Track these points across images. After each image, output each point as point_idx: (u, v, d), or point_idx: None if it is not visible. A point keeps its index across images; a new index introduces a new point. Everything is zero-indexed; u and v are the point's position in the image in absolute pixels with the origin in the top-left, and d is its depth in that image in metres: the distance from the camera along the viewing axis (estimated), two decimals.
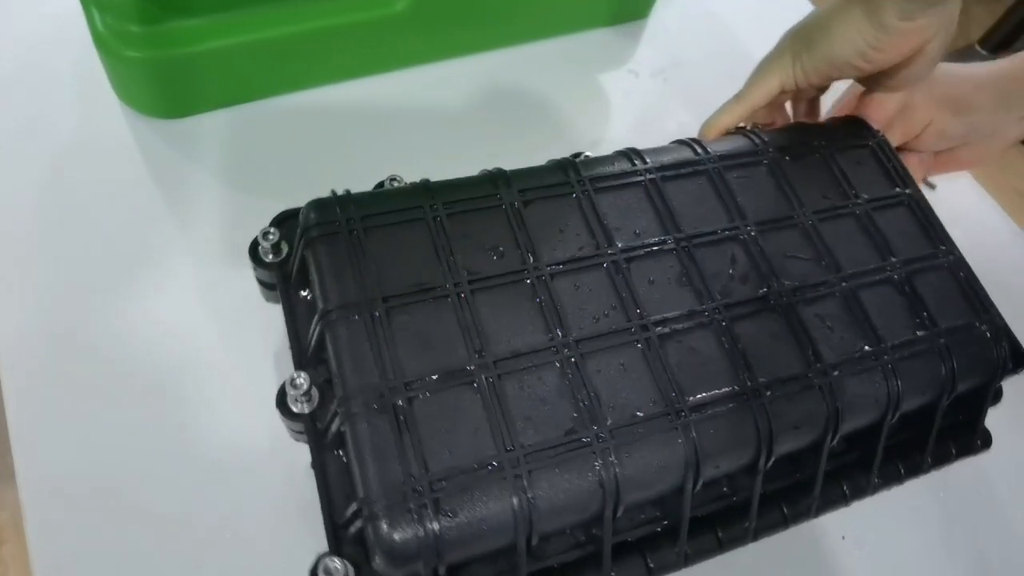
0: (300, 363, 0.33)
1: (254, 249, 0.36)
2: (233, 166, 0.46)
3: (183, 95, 0.47)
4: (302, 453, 0.35)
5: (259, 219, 0.41)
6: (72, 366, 0.39)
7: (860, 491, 0.37)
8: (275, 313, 0.40)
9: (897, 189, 0.40)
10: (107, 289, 0.41)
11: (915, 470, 0.38)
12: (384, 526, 0.27)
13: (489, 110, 0.52)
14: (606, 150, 0.38)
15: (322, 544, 0.30)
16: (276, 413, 0.34)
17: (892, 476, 0.38)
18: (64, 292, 0.41)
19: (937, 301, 0.37)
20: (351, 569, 0.29)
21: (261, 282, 0.37)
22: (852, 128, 0.42)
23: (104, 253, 0.42)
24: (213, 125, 0.48)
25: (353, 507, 0.28)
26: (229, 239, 0.43)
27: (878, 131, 0.42)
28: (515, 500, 0.28)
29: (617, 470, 0.29)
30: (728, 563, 0.34)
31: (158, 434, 0.37)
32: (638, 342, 0.32)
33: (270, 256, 0.35)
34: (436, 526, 0.27)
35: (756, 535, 0.35)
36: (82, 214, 0.44)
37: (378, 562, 0.28)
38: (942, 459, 0.39)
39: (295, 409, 0.32)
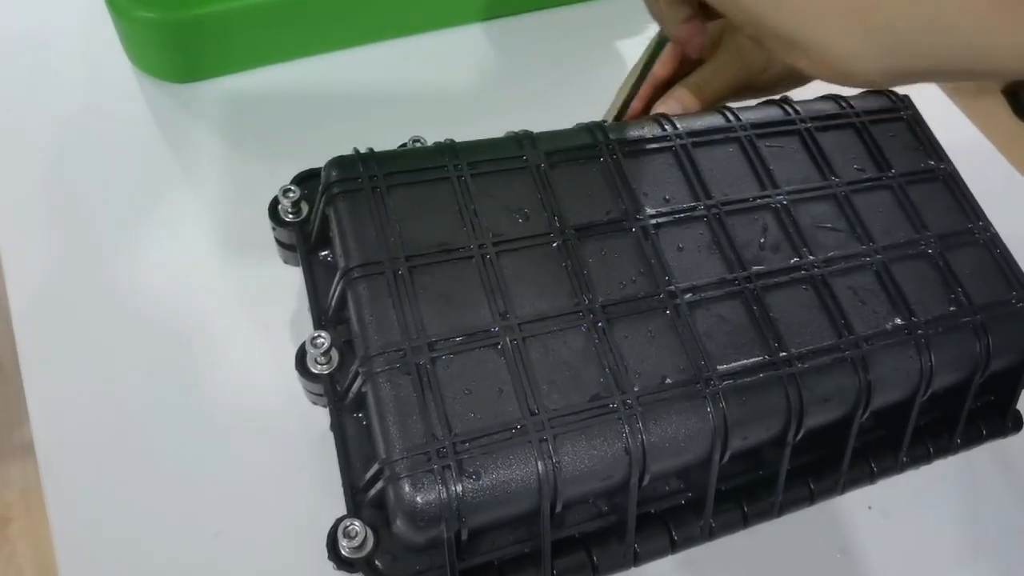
0: (320, 324, 0.32)
1: (274, 208, 0.35)
2: (247, 131, 0.46)
3: (197, 58, 0.46)
4: (318, 417, 0.35)
5: (273, 184, 0.40)
6: (85, 329, 0.38)
7: (887, 470, 0.36)
8: (288, 277, 0.39)
9: (932, 163, 0.39)
10: (119, 254, 0.41)
11: (944, 450, 0.37)
12: (406, 487, 0.26)
13: (507, 78, 0.51)
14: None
15: (339, 509, 0.30)
16: (292, 376, 0.33)
17: (921, 456, 0.37)
18: (75, 254, 0.40)
19: (972, 277, 0.36)
20: (370, 533, 0.28)
21: (280, 243, 0.36)
22: (885, 100, 0.41)
23: (116, 217, 0.42)
24: (227, 89, 0.47)
25: (374, 468, 0.27)
26: (243, 204, 0.43)
27: (906, 97, 0.41)
28: (540, 464, 0.27)
29: (644, 437, 0.28)
30: (750, 528, 0.33)
31: (173, 398, 0.37)
32: (666, 309, 0.31)
33: (290, 216, 0.35)
34: (460, 488, 0.26)
35: (782, 510, 0.34)
36: (93, 178, 0.43)
37: (399, 525, 0.27)
38: (972, 440, 0.38)
39: (314, 370, 0.32)
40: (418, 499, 0.26)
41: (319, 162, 0.34)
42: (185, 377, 0.37)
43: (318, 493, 0.34)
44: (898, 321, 0.33)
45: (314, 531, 0.31)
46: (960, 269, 0.36)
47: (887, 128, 0.40)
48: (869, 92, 0.42)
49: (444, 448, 0.27)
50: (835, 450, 0.34)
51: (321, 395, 0.32)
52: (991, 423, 0.38)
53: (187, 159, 0.44)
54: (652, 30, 0.38)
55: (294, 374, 0.35)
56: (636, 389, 0.29)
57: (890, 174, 0.38)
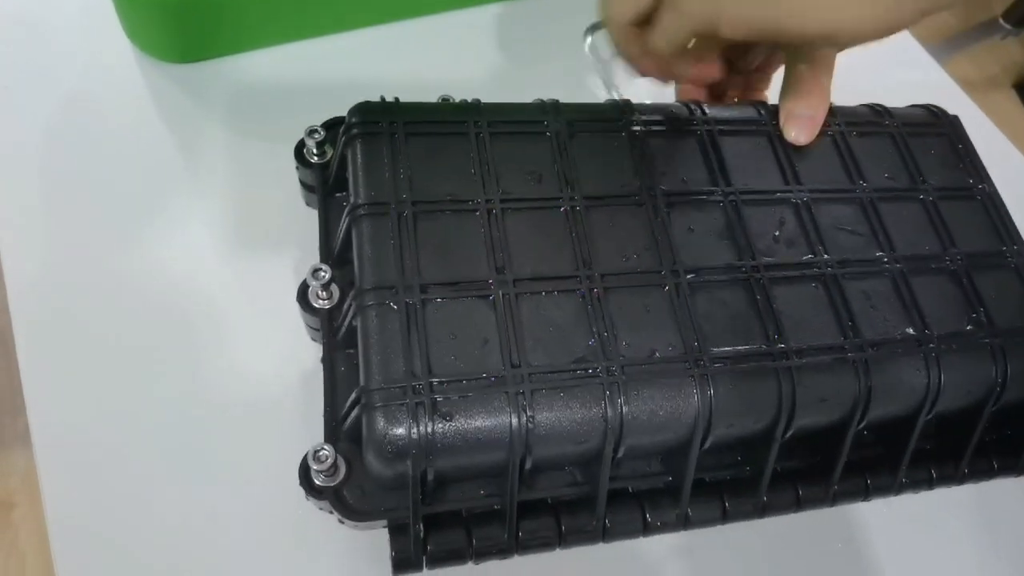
0: (326, 259, 0.33)
1: (299, 150, 0.36)
2: (248, 113, 0.44)
3: (197, 38, 0.44)
4: (316, 405, 0.32)
5: (275, 166, 0.40)
6: (82, 315, 0.37)
7: (883, 488, 0.34)
8: (286, 259, 0.39)
9: (970, 181, 0.38)
10: (117, 235, 0.40)
11: (948, 479, 0.36)
12: (379, 417, 0.26)
13: (519, 60, 0.49)
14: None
15: None
16: (290, 364, 0.35)
17: (921, 480, 0.35)
18: (74, 239, 0.39)
19: (998, 300, 0.34)
20: (342, 462, 0.29)
21: (303, 184, 0.37)
22: (929, 114, 0.40)
23: (115, 199, 0.41)
24: (228, 70, 0.45)
25: (353, 396, 0.28)
26: (244, 187, 0.42)
27: (956, 117, 0.39)
28: (514, 416, 0.27)
29: (624, 408, 0.28)
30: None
31: (169, 379, 0.36)
32: (666, 286, 0.31)
33: (315, 157, 0.35)
34: (431, 427, 0.26)
35: (765, 511, 0.33)
36: (92, 159, 0.41)
37: (369, 457, 0.27)
38: (981, 474, 0.36)
39: (315, 304, 0.32)
40: (388, 431, 0.26)
41: None
42: (182, 363, 0.37)
43: None
44: (909, 331, 0.32)
45: (308, 515, 0.32)
46: (985, 290, 0.34)
47: (927, 142, 0.38)
48: (914, 107, 0.41)
49: (421, 386, 0.27)
50: (829, 458, 0.33)
51: (319, 330, 0.33)
52: (1004, 459, 0.37)
53: (187, 141, 0.43)
54: None
55: (293, 362, 0.35)
56: (622, 358, 0.29)
57: (923, 187, 0.37)
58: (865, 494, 0.34)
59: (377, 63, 0.42)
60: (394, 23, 0.49)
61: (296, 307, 0.36)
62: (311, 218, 0.35)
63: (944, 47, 1.51)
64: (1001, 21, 1.51)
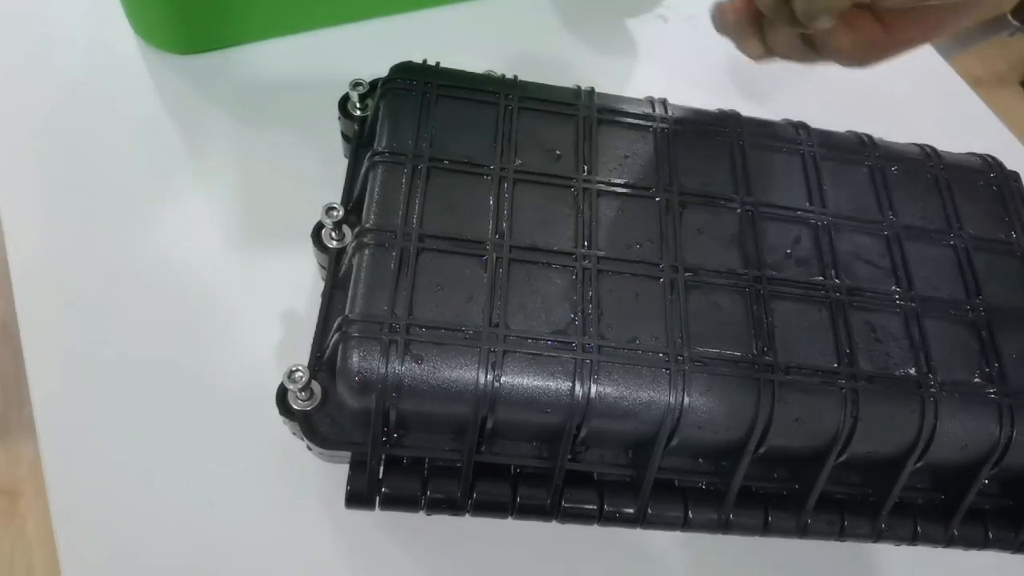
0: (346, 202, 0.34)
1: (344, 102, 0.38)
2: (253, 104, 0.44)
3: (203, 29, 0.44)
4: None
5: (278, 156, 0.40)
6: (87, 302, 0.37)
7: (860, 533, 0.33)
8: (289, 248, 0.39)
9: (1013, 236, 0.36)
10: (122, 226, 0.40)
11: (934, 539, 0.34)
12: (353, 348, 0.28)
13: (513, 55, 0.48)
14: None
15: (337, 487, 0.31)
16: (288, 351, 0.36)
17: (903, 532, 0.34)
18: (79, 229, 0.39)
19: (1018, 360, 0.33)
20: (318, 389, 0.30)
21: (344, 135, 0.39)
22: (984, 164, 0.38)
23: (119, 189, 0.40)
24: (233, 62, 0.45)
25: (335, 324, 0.29)
26: (250, 179, 0.42)
27: (1014, 172, 0.38)
28: (482, 373, 0.28)
29: (592, 387, 0.28)
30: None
31: (172, 369, 0.36)
32: (662, 279, 0.31)
33: (357, 110, 0.37)
34: (400, 366, 0.27)
35: (729, 527, 0.32)
36: (97, 150, 0.41)
37: (339, 385, 0.28)
38: (971, 541, 0.34)
39: (328, 244, 0.34)
40: (359, 362, 0.27)
41: (327, 137, 0.35)
42: (185, 352, 0.37)
43: (313, 470, 0.34)
44: (911, 371, 0.31)
45: (309, 501, 0.33)
46: (1005, 347, 0.33)
47: (972, 190, 0.37)
48: (971, 154, 0.40)
49: (398, 325, 0.28)
50: (805, 488, 0.32)
51: (326, 268, 0.34)
52: (1000, 531, 0.34)
53: (191, 131, 0.43)
54: (660, 8, 0.35)
55: (296, 350, 0.34)
56: (602, 339, 0.29)
57: (958, 233, 0.35)
58: (839, 534, 0.33)
59: (387, 54, 0.38)
60: (406, 13, 0.48)
61: (298, 296, 0.37)
62: (315, 208, 0.34)
63: (951, 43, 1.44)
64: (1009, 17, 1.43)
